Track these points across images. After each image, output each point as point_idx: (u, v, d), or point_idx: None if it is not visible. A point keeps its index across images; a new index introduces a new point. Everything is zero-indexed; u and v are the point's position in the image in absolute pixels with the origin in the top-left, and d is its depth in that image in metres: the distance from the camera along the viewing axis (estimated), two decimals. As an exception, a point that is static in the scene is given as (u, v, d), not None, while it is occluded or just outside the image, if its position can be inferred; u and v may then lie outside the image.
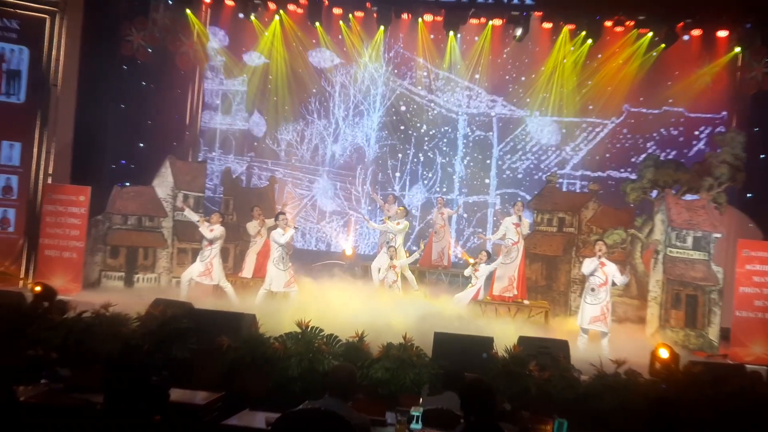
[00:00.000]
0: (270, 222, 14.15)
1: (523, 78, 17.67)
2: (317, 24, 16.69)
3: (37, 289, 10.63)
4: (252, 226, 14.38)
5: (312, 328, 9.34)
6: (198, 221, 13.54)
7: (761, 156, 14.79)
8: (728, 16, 14.71)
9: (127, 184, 15.51)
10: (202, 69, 17.84)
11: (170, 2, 16.13)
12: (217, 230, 13.39)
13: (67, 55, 14.85)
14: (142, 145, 16.40)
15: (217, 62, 18.40)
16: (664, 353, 9.53)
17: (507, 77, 17.85)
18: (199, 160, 17.73)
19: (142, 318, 9.71)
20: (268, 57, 17.93)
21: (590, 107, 17.31)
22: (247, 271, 14.36)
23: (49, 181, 14.72)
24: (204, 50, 17.20)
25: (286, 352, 9.07)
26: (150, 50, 15.77)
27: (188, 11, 16.29)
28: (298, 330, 9.34)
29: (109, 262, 14.69)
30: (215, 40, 17.99)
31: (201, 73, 17.93)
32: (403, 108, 18.44)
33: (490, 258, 13.53)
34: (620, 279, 11.92)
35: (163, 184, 15.13)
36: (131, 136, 16.24)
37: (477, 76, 17.94)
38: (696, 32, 15.48)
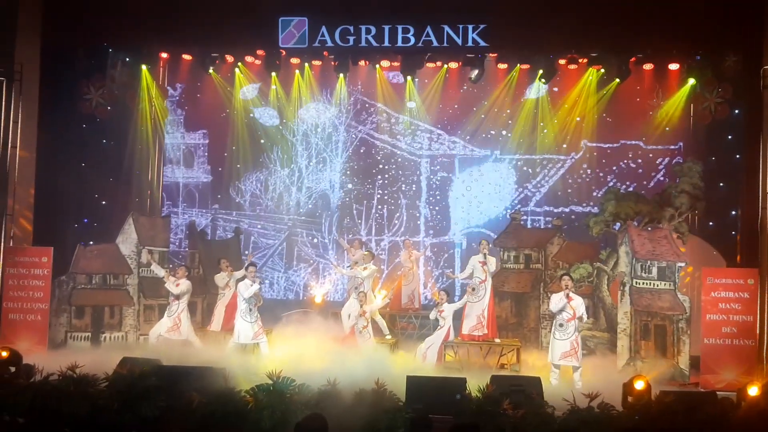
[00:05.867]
0: (239, 273, 14.08)
1: (482, 118, 17.83)
2: (273, 75, 16.79)
3: (3, 354, 10.49)
4: (220, 278, 14.31)
5: (283, 378, 9.30)
6: (164, 276, 13.50)
7: (720, 184, 15.02)
8: (678, 49, 15.03)
9: (91, 242, 15.38)
10: (163, 124, 17.80)
11: (127, 59, 16.14)
12: (183, 285, 13.34)
13: (26, 116, 14.75)
14: (104, 202, 16.28)
15: (177, 116, 18.41)
16: (640, 385, 9.63)
17: (465, 118, 17.99)
18: (163, 215, 17.62)
19: (109, 378, 9.61)
20: (228, 108, 17.99)
21: (549, 144, 17.51)
22: (216, 324, 14.24)
23: (11, 243, 14.52)
24: (163, 105, 17.21)
25: (258, 404, 9.01)
26: (109, 108, 15.75)
27: (144, 68, 16.32)
28: (270, 381, 9.28)
29: (75, 322, 14.50)
30: (174, 95, 18.05)
31: (161, 128, 17.89)
32: (365, 153, 18.52)
33: (450, 297, 13.58)
34: (584, 316, 12.11)
35: (127, 241, 15.01)
36: (93, 195, 16.13)
37: (436, 119, 18.11)
38: (648, 66, 15.79)
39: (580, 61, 15.76)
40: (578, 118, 17.11)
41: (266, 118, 18.36)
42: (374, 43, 15.26)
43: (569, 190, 17.72)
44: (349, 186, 18.53)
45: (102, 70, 15.71)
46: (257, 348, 13.09)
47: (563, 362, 11.95)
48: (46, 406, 9.05)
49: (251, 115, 18.15)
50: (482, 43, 15.07)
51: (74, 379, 9.54)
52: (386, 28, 15.13)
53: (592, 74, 16.17)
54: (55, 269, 14.22)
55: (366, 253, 14.97)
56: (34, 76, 14.88)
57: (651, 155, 17.17)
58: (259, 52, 16.18)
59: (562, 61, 15.81)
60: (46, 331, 13.94)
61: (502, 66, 16.41)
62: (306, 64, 16.73)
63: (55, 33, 15.03)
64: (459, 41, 15.08)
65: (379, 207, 18.43)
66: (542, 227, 17.26)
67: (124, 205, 16.20)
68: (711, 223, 15.25)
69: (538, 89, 16.82)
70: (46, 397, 9.20)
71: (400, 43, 15.23)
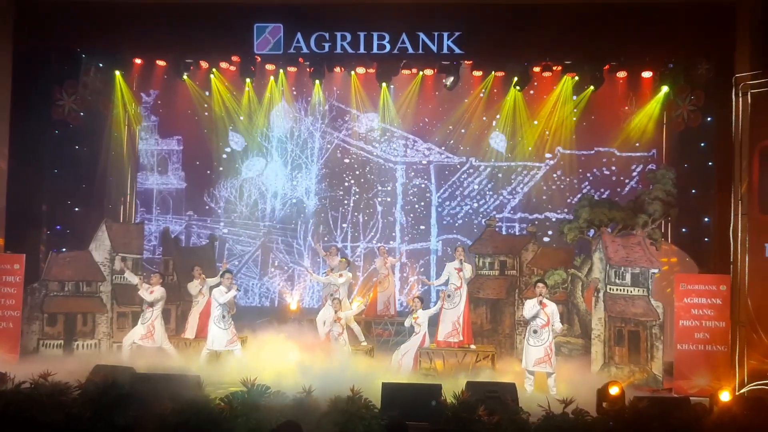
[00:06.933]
0: (212, 281, 14.03)
1: (457, 125, 17.90)
2: (248, 81, 16.76)
3: (-26, 363, 10.38)
4: (193, 286, 14.23)
5: (258, 386, 9.26)
6: (137, 283, 13.44)
7: (692, 191, 15.15)
8: (651, 57, 15.17)
9: (63, 249, 15.24)
10: (136, 130, 17.71)
11: (101, 65, 16.02)
12: (158, 292, 13.27)
13: (-3, 123, 14.65)
14: (77, 209, 16.12)
15: (151, 122, 18.30)
16: (614, 390, 9.71)
17: (440, 125, 18.07)
18: (137, 221, 17.51)
19: (82, 386, 9.53)
20: (203, 114, 17.93)
21: (524, 151, 17.62)
22: (190, 331, 14.17)
23: (-18, 250, 14.37)
24: (137, 111, 17.11)
25: (233, 412, 8.96)
26: (82, 114, 15.61)
27: (118, 74, 16.22)
28: (244, 389, 9.25)
29: (47, 330, 14.36)
30: (148, 101, 17.97)
31: (135, 134, 17.79)
32: (341, 160, 18.52)
33: (424, 304, 13.59)
34: (558, 325, 12.13)
35: (101, 248, 14.89)
36: (66, 201, 15.96)
37: (412, 126, 18.16)
38: (621, 74, 15.92)
39: (555, 68, 15.89)
40: (553, 126, 17.22)
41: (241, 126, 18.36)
42: (350, 50, 15.23)
43: (544, 197, 17.85)
44: (325, 193, 18.51)
45: (75, 76, 15.56)
46: (231, 355, 13.05)
47: (537, 368, 12.00)
48: (19, 414, 8.97)
49: (224, 121, 18.10)
50: (457, 51, 15.09)
51: (46, 388, 9.45)
52: (362, 35, 15.12)
53: (567, 82, 16.28)
54: (27, 276, 14.07)
55: (342, 260, 14.96)
56: (6, 81, 14.75)
57: (625, 162, 17.34)
58: (234, 58, 16.12)
59: (536, 69, 15.93)
60: (18, 339, 13.77)
61: (477, 73, 16.49)
62: (281, 71, 16.70)
63: (28, 38, 14.89)
64: (434, 48, 15.10)
65: (355, 213, 18.42)
66: (517, 234, 17.35)
67: (98, 211, 16.07)
68: (684, 230, 15.38)
69: (513, 97, 16.88)
70: (19, 406, 9.11)
71: (375, 50, 15.20)
